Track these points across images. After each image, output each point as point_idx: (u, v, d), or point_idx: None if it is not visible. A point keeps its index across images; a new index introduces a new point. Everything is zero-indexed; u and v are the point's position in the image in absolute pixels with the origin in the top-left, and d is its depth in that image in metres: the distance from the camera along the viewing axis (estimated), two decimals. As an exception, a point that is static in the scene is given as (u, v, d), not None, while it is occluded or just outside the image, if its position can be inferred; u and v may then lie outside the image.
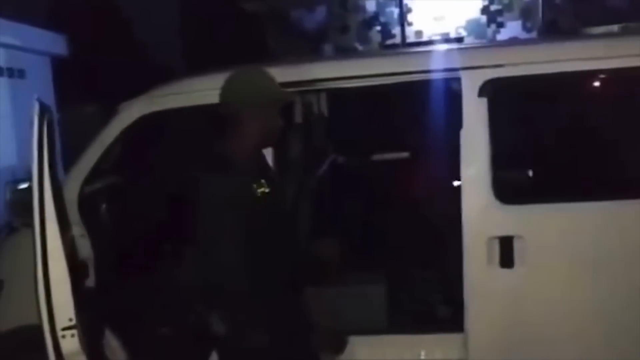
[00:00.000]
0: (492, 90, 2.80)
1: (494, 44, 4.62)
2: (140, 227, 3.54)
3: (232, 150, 2.19)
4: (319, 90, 4.11)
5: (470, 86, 2.83)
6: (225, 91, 2.21)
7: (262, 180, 2.20)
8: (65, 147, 6.35)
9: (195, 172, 2.17)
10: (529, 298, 2.81)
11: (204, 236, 2.10)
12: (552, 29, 7.01)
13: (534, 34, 7.17)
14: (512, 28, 7.35)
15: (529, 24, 7.32)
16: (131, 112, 3.15)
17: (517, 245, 2.77)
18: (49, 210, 2.36)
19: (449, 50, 3.40)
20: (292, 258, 2.30)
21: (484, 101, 2.81)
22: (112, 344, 3.25)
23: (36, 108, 2.41)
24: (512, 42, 4.61)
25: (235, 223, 2.04)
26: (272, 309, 2.13)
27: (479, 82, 2.82)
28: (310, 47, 7.54)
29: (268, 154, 2.84)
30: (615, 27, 3.19)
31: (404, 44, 7.34)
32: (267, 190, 2.18)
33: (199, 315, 2.38)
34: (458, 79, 2.88)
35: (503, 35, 7.32)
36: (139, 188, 3.72)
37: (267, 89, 2.21)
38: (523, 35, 7.21)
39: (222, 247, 2.04)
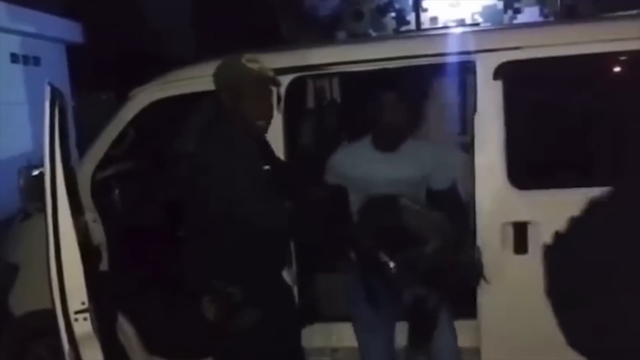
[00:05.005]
0: (507, 73, 2.76)
1: (508, 26, 4.55)
2: (153, 212, 3.55)
3: (229, 133, 2.29)
4: (332, 75, 4.08)
5: (484, 69, 2.79)
6: (213, 78, 2.37)
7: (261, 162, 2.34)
8: (81, 133, 6.40)
9: (197, 153, 2.30)
10: (542, 285, 2.77)
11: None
12: (571, 14, 6.88)
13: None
14: (530, 14, 7.22)
15: (546, 10, 7.20)
16: (142, 97, 3.16)
17: (531, 231, 2.73)
18: (61, 195, 2.36)
19: (462, 33, 3.34)
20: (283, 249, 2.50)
21: (498, 84, 2.77)
22: (126, 328, 3.28)
23: (48, 92, 2.41)
24: (527, 24, 4.52)
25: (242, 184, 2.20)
26: (262, 291, 2.30)
27: (494, 65, 2.77)
28: (324, 34, 7.49)
29: (278, 141, 2.85)
30: (634, 12, 3.11)
31: (419, 30, 7.26)
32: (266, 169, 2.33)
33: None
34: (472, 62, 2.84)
35: (520, 21, 7.20)
36: (150, 173, 3.74)
37: (247, 73, 2.31)
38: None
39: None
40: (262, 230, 2.25)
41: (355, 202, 2.52)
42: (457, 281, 2.52)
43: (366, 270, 2.55)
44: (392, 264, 2.36)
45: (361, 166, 2.76)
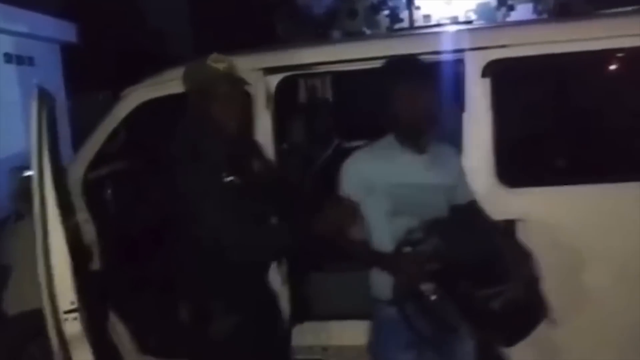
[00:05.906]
0: (495, 71, 2.76)
1: (496, 24, 4.56)
2: (145, 212, 3.56)
3: (196, 138, 2.24)
4: (323, 74, 4.08)
5: (473, 67, 2.79)
6: (182, 80, 2.31)
7: (231, 169, 2.23)
8: (78, 134, 6.40)
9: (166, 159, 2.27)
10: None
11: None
12: (564, 11, 6.88)
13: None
14: (523, 11, 7.22)
15: (540, 7, 7.19)
16: (134, 97, 3.17)
17: (520, 229, 2.74)
18: (49, 195, 2.38)
19: (451, 32, 3.35)
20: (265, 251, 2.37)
21: (487, 82, 2.78)
22: (118, 328, 3.28)
23: (35, 94, 2.41)
24: (516, 22, 4.52)
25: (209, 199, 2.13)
26: (240, 296, 2.25)
27: (483, 63, 2.78)
28: (319, 32, 7.48)
29: (267, 140, 2.85)
30: (628, 10, 3.11)
31: (412, 28, 7.26)
32: (234, 179, 2.22)
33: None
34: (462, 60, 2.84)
35: (513, 18, 7.19)
36: (142, 173, 3.74)
37: (212, 73, 2.24)
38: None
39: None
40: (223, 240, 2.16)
41: (381, 215, 2.23)
42: (522, 322, 2.16)
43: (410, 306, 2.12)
44: (433, 297, 2.02)
45: (396, 171, 2.26)
